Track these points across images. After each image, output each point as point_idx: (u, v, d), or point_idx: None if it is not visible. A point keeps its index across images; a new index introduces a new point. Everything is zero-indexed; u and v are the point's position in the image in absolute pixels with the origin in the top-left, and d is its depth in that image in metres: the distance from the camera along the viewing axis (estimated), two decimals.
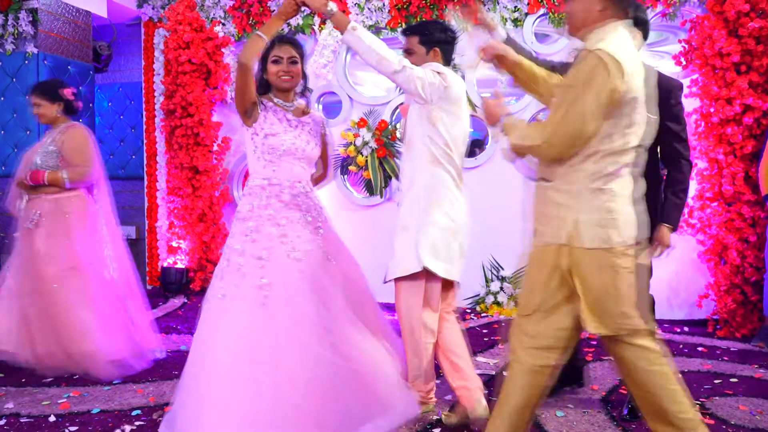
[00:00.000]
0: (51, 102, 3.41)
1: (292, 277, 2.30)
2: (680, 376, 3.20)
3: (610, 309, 1.88)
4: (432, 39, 2.52)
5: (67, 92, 3.45)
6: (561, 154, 1.86)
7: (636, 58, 1.88)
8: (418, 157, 2.48)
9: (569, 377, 2.90)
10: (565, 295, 1.92)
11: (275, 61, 2.44)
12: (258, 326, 2.23)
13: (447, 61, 2.56)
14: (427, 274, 2.46)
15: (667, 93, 2.49)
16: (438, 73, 2.42)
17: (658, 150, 2.61)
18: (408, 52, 2.55)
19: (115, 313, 3.31)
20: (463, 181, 2.58)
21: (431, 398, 2.64)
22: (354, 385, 2.23)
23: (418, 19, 4.86)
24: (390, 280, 2.53)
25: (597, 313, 1.89)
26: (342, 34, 2.36)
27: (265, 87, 2.49)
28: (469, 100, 4.81)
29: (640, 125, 1.91)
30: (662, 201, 2.58)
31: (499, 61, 2.18)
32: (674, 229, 2.56)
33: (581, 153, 1.86)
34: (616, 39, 1.85)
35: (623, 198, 1.90)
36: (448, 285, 2.59)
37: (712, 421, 2.63)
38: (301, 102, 2.58)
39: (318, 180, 2.79)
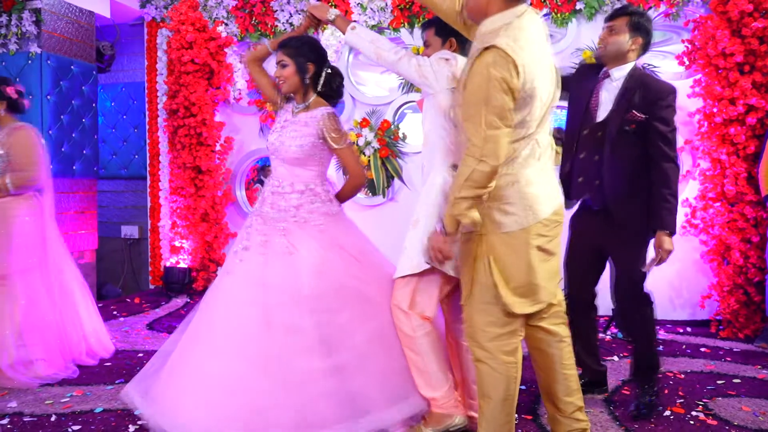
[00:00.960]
0: None
1: (234, 268, 2.51)
2: (682, 375, 3.20)
3: (528, 285, 1.95)
4: (447, 29, 2.45)
5: (10, 90, 3.32)
6: (501, 156, 1.82)
7: (533, 46, 1.86)
8: (432, 150, 2.41)
9: (594, 383, 2.92)
10: (494, 282, 1.95)
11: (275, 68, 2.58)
12: (208, 303, 2.54)
13: (464, 51, 2.46)
14: (426, 272, 2.32)
15: (656, 95, 2.53)
16: (446, 59, 2.36)
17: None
18: (426, 45, 2.54)
19: (42, 324, 3.20)
20: None
21: (454, 406, 2.37)
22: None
23: (421, 19, 4.86)
24: (400, 277, 2.37)
25: (519, 292, 1.95)
26: (344, 34, 2.44)
27: None
28: None
29: (541, 108, 1.91)
30: (653, 205, 2.55)
31: None
32: (672, 234, 2.55)
33: None
34: (509, 30, 1.83)
35: (531, 178, 1.93)
36: None
37: (715, 422, 2.63)
38: (304, 102, 2.60)
39: (347, 187, 2.68)
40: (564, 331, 2.12)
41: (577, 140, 2.69)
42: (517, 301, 1.95)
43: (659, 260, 2.54)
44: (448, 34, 2.47)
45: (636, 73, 2.60)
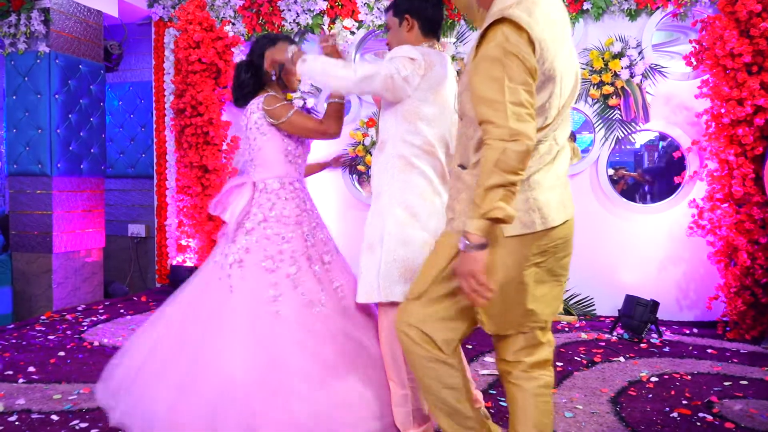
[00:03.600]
0: None
1: None
2: (688, 377, 3.19)
3: (514, 307, 1.68)
4: (403, 7, 2.12)
5: None
6: (533, 136, 1.52)
7: (552, 24, 1.58)
8: (387, 161, 2.09)
9: None
10: (450, 290, 1.72)
11: None
12: None
13: (426, 31, 2.13)
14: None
15: None
16: (410, 59, 2.01)
17: None
18: (387, 29, 2.24)
19: None
20: (447, 179, 2.09)
21: None
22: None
23: None
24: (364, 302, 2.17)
25: (498, 312, 1.70)
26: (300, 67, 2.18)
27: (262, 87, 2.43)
28: None
29: (560, 96, 1.63)
30: None
31: None
32: None
33: None
34: (523, 4, 1.55)
35: (542, 180, 1.64)
36: None
37: (721, 424, 2.62)
38: None
39: None
40: (546, 379, 1.81)
41: None
42: (490, 320, 1.72)
43: None
44: (404, 12, 2.13)
45: None
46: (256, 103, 2.31)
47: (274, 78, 2.37)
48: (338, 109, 2.22)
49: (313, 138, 2.30)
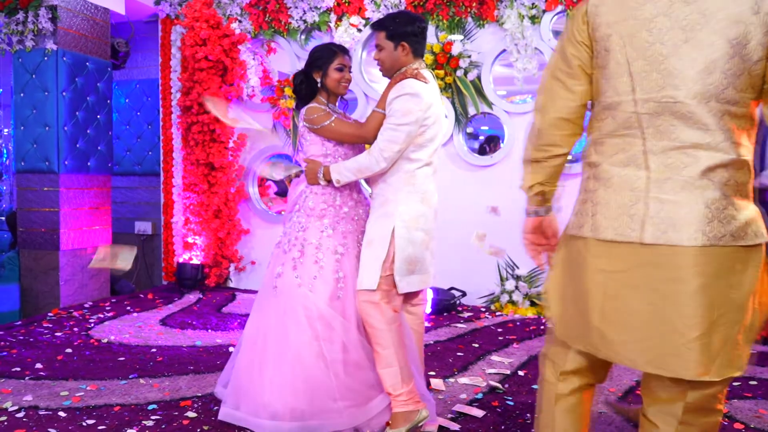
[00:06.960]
0: None
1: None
2: None
3: (577, 315, 1.60)
4: (398, 32, 2.38)
5: None
6: (550, 110, 1.57)
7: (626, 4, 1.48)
8: (393, 178, 2.41)
9: None
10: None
11: (340, 69, 2.55)
12: None
13: (417, 53, 2.43)
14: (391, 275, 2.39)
15: None
16: (410, 95, 2.31)
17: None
18: (378, 48, 2.45)
19: None
20: (434, 178, 2.49)
21: (417, 401, 2.34)
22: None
23: (435, 17, 4.84)
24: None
25: (562, 312, 1.67)
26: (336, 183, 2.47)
27: (315, 93, 2.59)
28: (484, 98, 4.78)
29: (639, 89, 1.42)
30: None
31: None
32: None
33: None
34: None
35: (616, 177, 1.45)
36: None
37: (731, 424, 2.60)
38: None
39: None
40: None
41: None
42: (561, 328, 1.61)
43: None
44: (400, 38, 2.38)
45: None
46: (302, 114, 2.57)
47: (320, 86, 2.57)
48: (380, 118, 2.43)
49: (351, 142, 2.53)
